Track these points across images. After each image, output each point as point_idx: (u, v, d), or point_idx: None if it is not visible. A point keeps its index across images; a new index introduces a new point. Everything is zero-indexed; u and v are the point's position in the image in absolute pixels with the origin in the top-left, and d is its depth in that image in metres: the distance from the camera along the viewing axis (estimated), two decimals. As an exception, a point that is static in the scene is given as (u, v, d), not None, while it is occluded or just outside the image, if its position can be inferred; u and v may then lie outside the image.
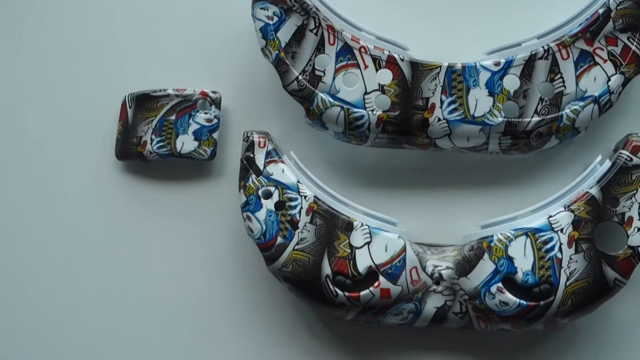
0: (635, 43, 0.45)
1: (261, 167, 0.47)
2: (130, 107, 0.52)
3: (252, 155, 0.47)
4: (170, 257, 0.51)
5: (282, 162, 0.47)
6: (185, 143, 0.51)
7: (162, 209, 0.51)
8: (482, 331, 0.45)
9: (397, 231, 0.45)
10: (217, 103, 0.51)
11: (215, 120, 0.51)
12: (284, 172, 0.46)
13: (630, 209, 0.42)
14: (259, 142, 0.47)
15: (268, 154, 0.47)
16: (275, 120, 0.51)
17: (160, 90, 0.52)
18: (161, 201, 0.52)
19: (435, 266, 0.45)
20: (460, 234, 0.47)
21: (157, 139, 0.51)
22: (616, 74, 0.45)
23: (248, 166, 0.47)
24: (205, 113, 0.51)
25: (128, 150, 0.51)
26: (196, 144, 0.51)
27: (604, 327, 0.46)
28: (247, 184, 0.47)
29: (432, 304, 0.44)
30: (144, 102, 0.52)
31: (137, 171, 0.52)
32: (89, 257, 0.51)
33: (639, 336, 0.46)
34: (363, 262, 0.44)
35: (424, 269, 0.44)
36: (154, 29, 0.53)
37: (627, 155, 0.43)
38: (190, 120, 0.51)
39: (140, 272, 0.51)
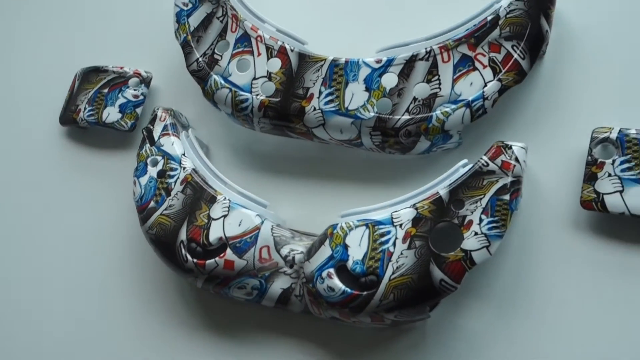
0: (518, 51, 0.44)
1: (156, 138, 0.50)
2: (78, 80, 0.58)
3: (151, 127, 0.51)
4: (86, 216, 0.55)
5: (176, 135, 0.50)
6: (111, 114, 0.56)
7: (86, 172, 0.56)
8: (342, 324, 0.45)
9: (260, 211, 0.47)
10: (147, 82, 0.56)
11: (142, 97, 0.56)
12: (173, 144, 0.50)
13: (472, 212, 0.41)
14: (161, 116, 0.51)
15: (165, 127, 0.51)
16: (196, 101, 0.55)
17: (103, 67, 0.57)
18: (87, 165, 0.57)
19: (292, 250, 0.46)
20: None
21: (89, 108, 0.56)
22: (493, 80, 0.44)
23: (146, 136, 0.51)
24: (135, 90, 0.56)
25: (68, 116, 0.57)
26: (120, 115, 0.55)
27: (450, 335, 0.44)
28: (141, 152, 0.50)
29: (279, 285, 0.45)
30: (88, 76, 0.58)
31: (75, 137, 0.58)
32: (20, 209, 0.57)
33: (484, 348, 0.43)
34: (215, 232, 0.46)
35: (278, 250, 0.45)
36: (109, 11, 0.59)
37: (485, 161, 0.42)
38: (119, 95, 0.56)
39: (56, 228, 0.55)
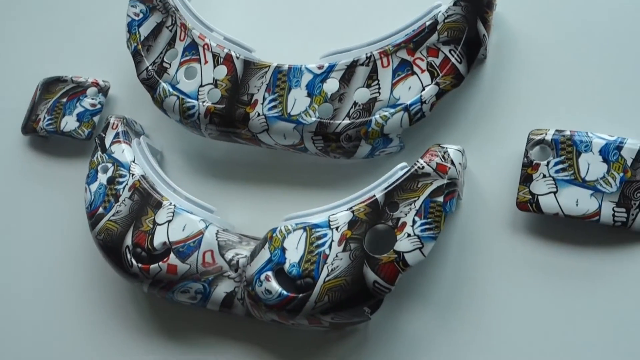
0: (455, 55, 0.45)
1: (107, 146, 0.51)
2: (39, 90, 0.59)
3: (103, 135, 0.52)
4: (43, 223, 0.56)
5: (127, 143, 0.51)
6: (69, 123, 0.56)
7: (45, 180, 0.57)
8: (286, 327, 0.45)
9: (206, 216, 0.47)
10: (104, 91, 0.57)
11: (99, 106, 0.57)
12: (124, 152, 0.51)
13: (406, 214, 0.41)
14: (113, 124, 0.52)
15: (116, 135, 0.52)
16: (152, 109, 0.55)
17: (63, 77, 0.58)
18: (46, 174, 0.57)
19: (237, 254, 0.46)
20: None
21: (48, 117, 0.57)
22: (431, 84, 0.45)
23: (98, 144, 0.52)
24: (92, 99, 0.57)
25: (29, 126, 0.58)
26: (77, 124, 0.56)
27: (391, 338, 0.44)
28: (93, 159, 0.51)
29: (223, 288, 0.45)
30: (48, 86, 0.59)
31: (36, 146, 0.59)
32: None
33: (424, 350, 0.43)
34: (159, 237, 0.46)
35: (223, 254, 0.46)
36: (72, 22, 0.60)
37: (421, 164, 0.42)
38: (77, 104, 0.57)
39: (13, 234, 0.56)
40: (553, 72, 0.46)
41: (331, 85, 0.47)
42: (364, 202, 0.43)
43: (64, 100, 0.57)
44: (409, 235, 0.41)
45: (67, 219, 0.55)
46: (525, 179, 0.42)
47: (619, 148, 0.41)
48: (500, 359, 0.42)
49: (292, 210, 0.49)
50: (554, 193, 0.41)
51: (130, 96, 0.57)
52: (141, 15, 0.52)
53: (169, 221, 0.47)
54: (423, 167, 0.42)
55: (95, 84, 0.57)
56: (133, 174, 0.49)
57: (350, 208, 0.43)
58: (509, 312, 0.43)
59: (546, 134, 0.42)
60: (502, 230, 0.44)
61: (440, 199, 0.41)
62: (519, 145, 0.44)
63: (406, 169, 0.43)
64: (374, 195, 0.42)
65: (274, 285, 0.42)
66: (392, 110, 0.45)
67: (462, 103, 0.47)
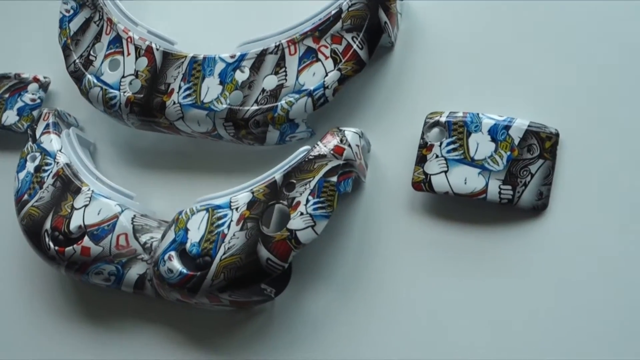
0: (357, 42, 0.46)
1: (37, 136, 0.53)
2: (-14, 87, 0.61)
3: (35, 126, 0.54)
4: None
5: (56, 133, 0.53)
6: (9, 117, 0.58)
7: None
8: (194, 308, 0.46)
9: (124, 201, 0.49)
10: (44, 86, 0.59)
11: (38, 101, 0.59)
12: (52, 141, 0.52)
13: (301, 194, 0.42)
14: (44, 115, 0.54)
15: (47, 125, 0.54)
16: (87, 104, 0.57)
17: (7, 74, 0.61)
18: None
19: (152, 237, 0.47)
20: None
21: (-10, 112, 0.59)
22: (334, 70, 0.46)
23: (30, 135, 0.54)
24: (33, 94, 0.59)
25: (-25, 121, 0.61)
26: (17, 118, 0.58)
27: (296, 318, 0.45)
28: (24, 149, 0.53)
29: (136, 270, 0.47)
30: (-6, 83, 0.61)
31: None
32: None
33: (326, 329, 0.44)
34: (76, 221, 0.48)
35: (137, 238, 0.47)
36: (19, 21, 0.63)
37: (318, 146, 0.43)
38: (18, 99, 0.59)
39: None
40: (455, 59, 0.47)
41: (241, 73, 0.48)
42: (264, 183, 0.44)
43: (7, 95, 0.60)
44: (301, 213, 0.42)
45: (4, 208, 0.56)
46: (420, 160, 0.43)
47: (507, 128, 0.42)
48: (399, 336, 0.43)
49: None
50: (445, 172, 0.42)
51: (69, 91, 0.59)
52: (72, 12, 0.54)
53: (86, 205, 0.48)
54: (320, 149, 0.43)
55: (36, 80, 0.59)
56: (58, 162, 0.51)
57: (251, 189, 0.44)
58: (407, 290, 0.43)
59: (440, 116, 0.43)
60: (401, 210, 0.45)
61: (334, 178, 0.42)
62: (419, 128, 0.45)
63: (306, 152, 0.44)
64: (274, 177, 0.44)
65: (176, 264, 0.43)
66: (296, 96, 0.46)
67: (371, 89, 0.48)
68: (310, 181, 0.42)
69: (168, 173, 0.53)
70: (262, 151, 0.50)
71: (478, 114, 0.43)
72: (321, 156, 0.43)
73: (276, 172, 0.44)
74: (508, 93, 0.44)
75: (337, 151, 0.43)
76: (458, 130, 0.42)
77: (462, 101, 0.45)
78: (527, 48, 0.45)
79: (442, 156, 0.42)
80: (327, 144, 0.43)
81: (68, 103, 0.59)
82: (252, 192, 0.44)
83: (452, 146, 0.42)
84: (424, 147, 0.43)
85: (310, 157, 0.43)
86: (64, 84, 0.60)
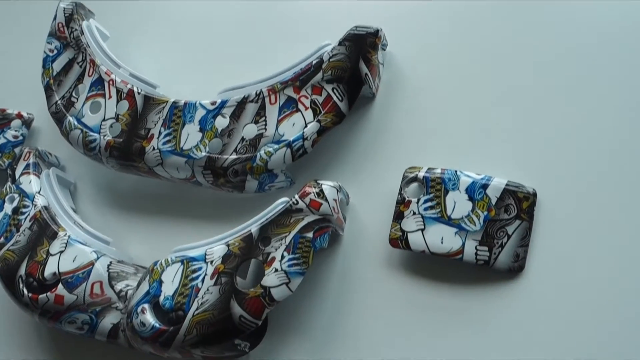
0: (337, 94, 0.46)
1: (17, 177, 0.53)
2: (-31, 122, 0.61)
3: (15, 166, 0.53)
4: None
5: (36, 174, 0.53)
6: (-9, 153, 0.58)
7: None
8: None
9: (101, 247, 0.48)
10: (27, 123, 0.59)
11: (21, 138, 0.58)
12: (31, 182, 0.52)
13: (276, 250, 0.42)
14: (25, 155, 0.54)
15: (27, 166, 0.53)
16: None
17: (-10, 110, 0.60)
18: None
19: (127, 285, 0.47)
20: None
21: (-28, 148, 0.59)
22: (313, 121, 0.46)
23: (10, 175, 0.53)
24: (15, 131, 0.59)
25: (-43, 156, 0.60)
26: (-1, 155, 0.58)
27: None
28: (2, 189, 0.53)
29: (110, 320, 0.46)
30: (-24, 118, 0.61)
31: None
32: None
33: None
34: (50, 268, 0.47)
35: (112, 286, 0.47)
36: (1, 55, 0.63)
37: (295, 199, 0.43)
38: (1, 135, 0.59)
39: None
40: (435, 113, 0.46)
41: (221, 120, 0.48)
42: (240, 236, 0.43)
43: (-11, 131, 0.59)
44: (276, 270, 0.41)
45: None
46: (398, 216, 0.43)
47: (485, 187, 0.41)
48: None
49: (189, 242, 0.50)
50: (422, 230, 0.42)
51: (52, 127, 0.59)
52: (55, 52, 0.54)
53: (61, 252, 0.48)
54: (297, 203, 0.43)
55: (20, 116, 0.59)
56: (36, 205, 0.51)
57: (227, 242, 0.43)
58: (383, 347, 0.43)
59: (419, 172, 0.43)
60: (379, 266, 0.44)
61: (310, 234, 0.42)
62: (398, 182, 0.45)
63: (283, 204, 0.43)
64: (250, 230, 0.43)
65: (148, 318, 0.43)
66: (275, 146, 0.46)
67: (351, 140, 0.48)
68: (285, 236, 0.42)
69: (147, 216, 0.53)
70: (242, 198, 0.50)
71: (456, 171, 0.42)
72: (297, 210, 0.43)
73: (252, 225, 0.44)
74: (486, 149, 0.44)
75: (314, 205, 0.42)
76: (436, 188, 0.42)
77: (442, 156, 0.45)
78: (506, 106, 0.45)
79: (419, 213, 0.42)
80: (303, 198, 0.43)
81: (50, 140, 0.59)
82: (228, 245, 0.43)
83: (429, 204, 0.42)
84: (402, 203, 0.43)
85: (287, 210, 0.43)
86: (48, 120, 0.59)
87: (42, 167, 0.54)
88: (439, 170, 0.43)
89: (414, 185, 0.43)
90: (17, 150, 0.58)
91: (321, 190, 0.43)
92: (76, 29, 0.54)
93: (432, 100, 0.47)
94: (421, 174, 0.43)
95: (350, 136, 0.48)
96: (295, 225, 0.42)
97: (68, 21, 0.54)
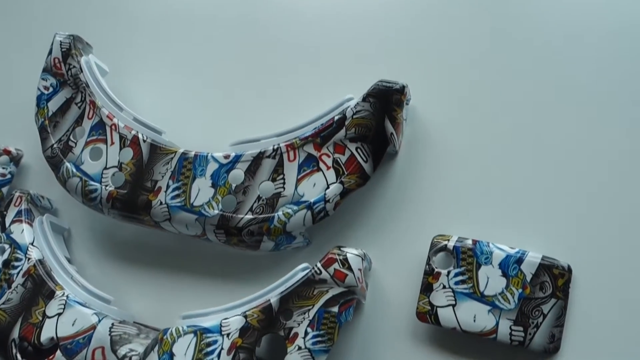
0: (361, 154, 0.43)
1: (7, 225, 0.49)
2: (-50, 155, 0.57)
3: (5, 212, 0.50)
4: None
5: (28, 222, 0.49)
6: (-25, 194, 0.54)
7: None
8: None
9: (102, 307, 0.45)
10: (16, 160, 0.55)
11: (9, 176, 0.54)
12: (23, 232, 0.48)
13: (299, 325, 0.39)
14: (16, 200, 0.50)
15: (18, 213, 0.49)
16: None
17: (-26, 144, 0.56)
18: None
19: (131, 350, 0.44)
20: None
21: (-45, 186, 0.55)
22: (336, 182, 0.43)
23: (-1, 222, 0.49)
24: (3, 168, 0.54)
25: (-63, 193, 0.56)
26: (-16, 195, 0.54)
27: None
28: (-10, 239, 0.49)
29: (113, 389, 0.43)
30: (-41, 152, 0.56)
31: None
32: None
33: None
34: (48, 332, 0.44)
35: (115, 351, 0.43)
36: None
37: (318, 268, 0.40)
38: (-14, 173, 0.55)
39: None
40: (463, 174, 0.44)
41: (235, 176, 0.45)
42: (258, 306, 0.41)
43: (-26, 169, 0.55)
44: (299, 348, 0.39)
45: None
46: (426, 288, 0.41)
47: (519, 262, 0.40)
48: None
49: (194, 300, 0.47)
50: (453, 306, 0.40)
51: (44, 166, 0.55)
52: (51, 89, 0.50)
53: (60, 314, 0.44)
54: (320, 272, 0.40)
55: (7, 152, 0.55)
56: (29, 258, 0.47)
57: (244, 313, 0.41)
58: None
59: (448, 241, 0.41)
60: (404, 339, 0.42)
61: (335, 309, 0.39)
62: (424, 248, 0.43)
63: (305, 272, 0.41)
64: (269, 300, 0.41)
65: (157, 393, 0.40)
66: (295, 208, 0.43)
67: (372, 198, 0.46)
68: (309, 310, 0.40)
69: (149, 268, 0.50)
70: (254, 254, 0.47)
71: (488, 243, 0.40)
72: (321, 281, 0.40)
73: (271, 294, 0.41)
74: (517, 218, 0.42)
75: (339, 277, 0.40)
76: (467, 260, 0.40)
77: (469, 219, 0.43)
78: (540, 174, 0.43)
79: (450, 287, 0.40)
80: (327, 267, 0.40)
81: (40, 180, 0.55)
82: (246, 317, 0.41)
83: (460, 277, 0.40)
84: (430, 275, 0.41)
85: (309, 280, 0.40)
86: (39, 157, 0.55)
87: (35, 213, 0.50)
88: (470, 242, 0.41)
89: (442, 254, 0.41)
90: (4, 190, 0.54)
91: (346, 259, 0.40)
92: (74, 66, 0.50)
93: (458, 160, 0.45)
94: (451, 244, 0.41)
95: (372, 194, 0.46)
96: (319, 298, 0.40)
97: (65, 57, 0.50)
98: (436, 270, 0.41)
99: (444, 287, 0.40)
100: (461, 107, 0.46)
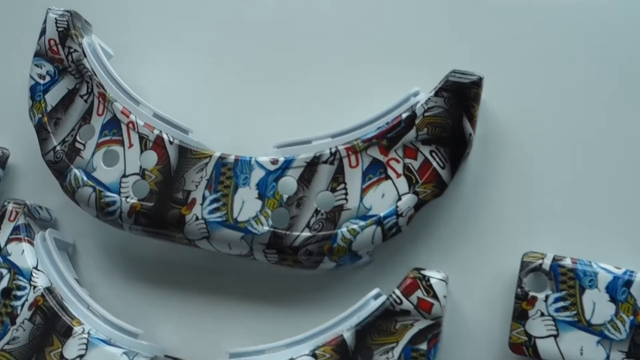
0: (438, 159, 0.37)
1: (2, 244, 0.41)
2: None
3: (-3, 229, 0.41)
4: None
5: (29, 241, 0.41)
6: (-47, 204, 0.45)
7: None
8: None
9: (130, 344, 0.38)
10: (1, 161, 0.46)
11: (-6, 182, 0.46)
12: (24, 253, 0.40)
13: (382, 366, 0.34)
14: (11, 213, 0.42)
15: (15, 229, 0.41)
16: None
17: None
18: None
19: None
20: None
21: None
22: (409, 193, 0.37)
23: (-9, 240, 0.41)
24: (-15, 171, 0.46)
25: None
26: (-35, 206, 0.45)
27: None
28: (-18, 261, 0.41)
29: None
30: None
31: None
32: None
33: None
34: (69, 378, 0.37)
35: (149, 393, 0.37)
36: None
37: (397, 297, 0.35)
38: (-35, 179, 0.46)
39: None
40: (548, 181, 0.39)
41: (287, 185, 0.38)
42: (329, 343, 0.35)
43: (-52, 172, 0.46)
44: (387, 395, 0.33)
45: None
46: (520, 315, 0.35)
47: (628, 284, 0.35)
48: None
49: (237, 329, 0.41)
50: (555, 337, 0.35)
51: (36, 166, 0.46)
52: (48, 78, 0.42)
53: (82, 356, 0.37)
54: (401, 302, 0.35)
55: (-10, 152, 0.46)
56: (35, 287, 0.39)
57: (313, 352, 0.35)
58: None
59: (543, 260, 0.36)
60: (491, 373, 0.37)
61: (424, 345, 0.34)
62: (509, 265, 0.38)
63: (380, 301, 0.35)
64: (342, 335, 0.35)
65: None
66: (362, 223, 0.37)
67: (441, 208, 0.40)
68: (392, 348, 0.34)
69: (178, 291, 0.43)
70: (295, 272, 0.41)
71: (590, 262, 0.35)
72: (403, 313, 0.34)
73: (342, 326, 0.35)
74: (616, 231, 0.38)
75: (424, 307, 0.34)
76: (568, 284, 0.35)
77: (559, 235, 0.38)
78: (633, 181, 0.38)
79: (550, 315, 0.35)
80: (408, 295, 0.35)
81: (32, 184, 0.46)
82: (315, 356, 0.34)
83: (562, 303, 0.35)
84: (524, 299, 0.36)
85: (388, 311, 0.34)
86: (27, 156, 0.47)
87: (34, 228, 0.42)
88: (569, 261, 0.36)
89: (534, 275, 0.36)
90: (-10, 198, 0.45)
91: (430, 286, 0.35)
92: (75, 50, 0.42)
93: (541, 164, 0.39)
94: (547, 263, 0.36)
95: (440, 203, 0.40)
96: (403, 333, 0.34)
97: (63, 38, 0.42)
98: (531, 294, 0.35)
99: (542, 314, 0.35)
100: (544, 99, 0.40)
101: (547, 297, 0.35)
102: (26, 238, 0.41)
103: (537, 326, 0.35)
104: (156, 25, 0.46)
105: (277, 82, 0.43)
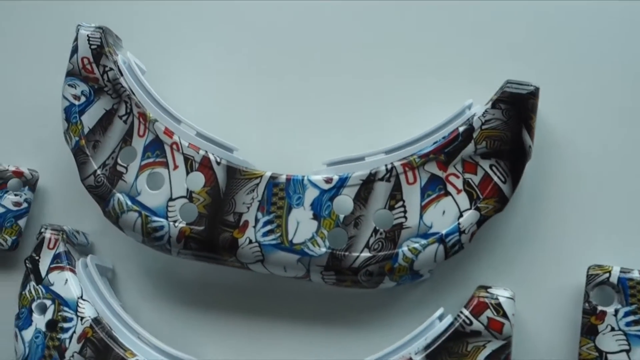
0: (498, 173, 0.36)
1: (43, 274, 0.39)
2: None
3: (37, 257, 0.40)
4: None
5: (71, 269, 0.39)
6: (-16, 230, 0.43)
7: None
8: None
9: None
10: (31, 184, 0.44)
11: (25, 205, 0.44)
12: (67, 283, 0.39)
13: (455, 390, 0.33)
14: (50, 240, 0.40)
15: (55, 257, 0.40)
16: (98, 211, 0.44)
17: (-28, 164, 0.45)
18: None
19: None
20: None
21: (-46, 220, 0.44)
22: (471, 209, 0.36)
23: (30, 270, 0.39)
24: (15, 195, 0.44)
25: None
26: (-5, 232, 0.43)
27: None
28: (24, 292, 0.39)
29: None
30: (-48, 175, 0.45)
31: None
32: None
33: None
34: (128, 414, 0.35)
35: None
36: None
37: (467, 317, 0.34)
38: (-5, 203, 0.44)
39: None
40: (607, 188, 0.38)
41: (342, 204, 0.37)
42: (399, 367, 0.34)
43: (-24, 198, 0.44)
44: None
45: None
46: (589, 331, 0.35)
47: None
48: None
49: (295, 353, 0.40)
50: (627, 352, 0.34)
51: (67, 188, 0.45)
52: (83, 99, 0.40)
53: (139, 388, 0.36)
54: (471, 323, 0.34)
55: (19, 174, 0.44)
56: (82, 317, 0.38)
57: (382, 376, 0.34)
58: None
59: (610, 273, 0.35)
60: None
61: (498, 367, 0.33)
62: (572, 279, 0.37)
63: (447, 322, 0.34)
64: (410, 358, 0.34)
65: None
66: (424, 242, 0.36)
67: (498, 222, 0.39)
68: (466, 371, 0.33)
69: (223, 315, 0.41)
70: (349, 291, 0.40)
71: (659, 274, 0.35)
72: (474, 334, 0.34)
73: (410, 349, 0.34)
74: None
75: (495, 327, 0.34)
76: (638, 297, 0.35)
77: (621, 247, 0.38)
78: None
79: (621, 330, 0.34)
80: (478, 316, 0.34)
81: (65, 206, 0.45)
82: (385, 384, 0.34)
83: (632, 317, 0.34)
84: (592, 314, 0.35)
85: (458, 332, 0.34)
86: (56, 177, 0.45)
87: (74, 254, 0.41)
88: (636, 274, 0.35)
89: (600, 289, 0.36)
90: (21, 222, 0.44)
91: (499, 305, 0.34)
92: (111, 68, 0.40)
93: (597, 174, 0.39)
94: (615, 276, 0.35)
95: (498, 215, 0.39)
96: (476, 355, 0.33)
97: (97, 56, 0.40)
98: (600, 308, 0.35)
99: (613, 329, 0.34)
100: (600, 108, 0.39)
101: (616, 311, 0.35)
102: (68, 266, 0.39)
103: (608, 341, 0.34)
104: (188, 38, 0.44)
105: (321, 97, 0.42)
